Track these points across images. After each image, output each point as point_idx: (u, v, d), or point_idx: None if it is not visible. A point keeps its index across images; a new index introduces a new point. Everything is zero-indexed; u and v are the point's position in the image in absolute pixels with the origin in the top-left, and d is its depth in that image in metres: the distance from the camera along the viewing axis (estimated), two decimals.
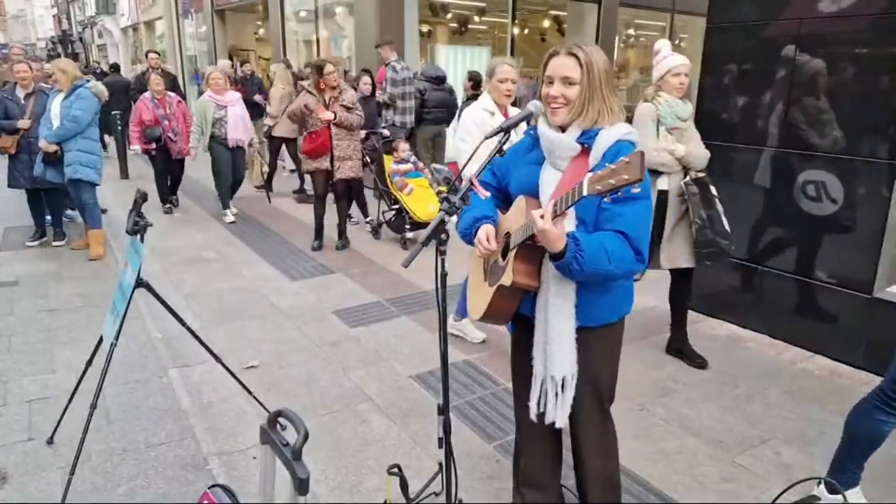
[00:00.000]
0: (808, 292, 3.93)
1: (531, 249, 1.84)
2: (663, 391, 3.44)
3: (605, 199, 1.56)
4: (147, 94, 7.24)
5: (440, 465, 2.00)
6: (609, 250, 1.69)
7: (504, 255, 1.93)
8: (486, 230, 1.92)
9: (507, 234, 1.92)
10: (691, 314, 4.43)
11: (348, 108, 5.67)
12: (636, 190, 1.53)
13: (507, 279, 1.87)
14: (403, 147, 6.43)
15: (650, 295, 4.83)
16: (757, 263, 4.19)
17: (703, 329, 4.27)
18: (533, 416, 1.99)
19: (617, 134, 1.77)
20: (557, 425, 1.96)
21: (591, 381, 1.98)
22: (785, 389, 3.47)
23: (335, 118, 5.58)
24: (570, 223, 1.77)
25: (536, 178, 1.89)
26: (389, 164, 6.49)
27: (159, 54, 11.68)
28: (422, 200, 6.23)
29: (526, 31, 12.52)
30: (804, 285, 3.93)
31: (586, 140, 1.81)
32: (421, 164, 6.64)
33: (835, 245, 3.76)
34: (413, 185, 6.25)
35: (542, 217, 1.62)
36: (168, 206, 7.60)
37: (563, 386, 1.91)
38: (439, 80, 7.82)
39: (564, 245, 1.65)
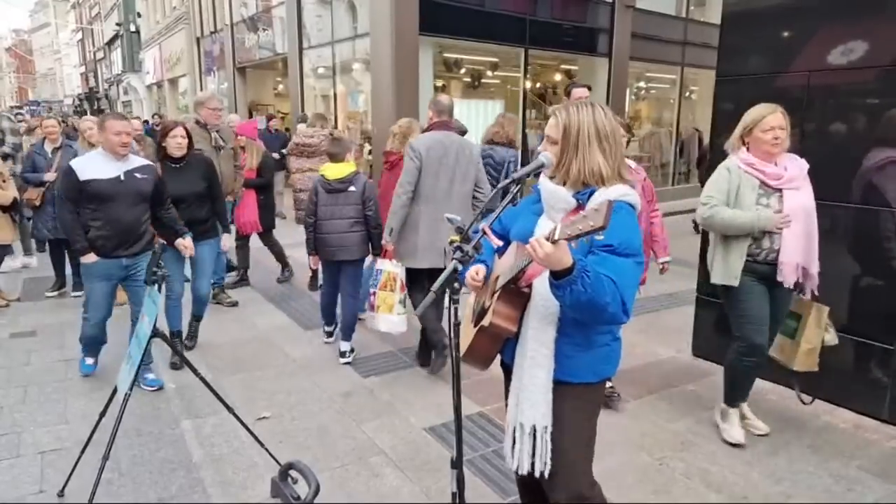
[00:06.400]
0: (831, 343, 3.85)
1: (515, 294, 1.88)
2: (683, 445, 3.36)
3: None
4: None
5: None
6: (607, 283, 1.66)
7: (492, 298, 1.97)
8: (475, 268, 1.99)
9: (498, 278, 1.96)
10: (708, 365, 4.37)
11: None
12: (600, 237, 1.53)
13: (486, 320, 1.90)
14: None
15: (670, 345, 4.78)
16: None
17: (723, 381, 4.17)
18: (508, 461, 1.98)
19: (612, 195, 1.79)
20: (521, 472, 1.93)
21: (564, 436, 1.92)
22: (808, 443, 3.37)
23: None
24: None
25: (532, 227, 1.94)
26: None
27: None
28: None
29: (538, 85, 12.81)
30: None
31: (582, 197, 1.85)
32: None
33: (851, 295, 3.71)
34: None
35: (539, 244, 1.57)
36: None
37: (533, 435, 1.89)
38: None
39: (572, 262, 1.60)
